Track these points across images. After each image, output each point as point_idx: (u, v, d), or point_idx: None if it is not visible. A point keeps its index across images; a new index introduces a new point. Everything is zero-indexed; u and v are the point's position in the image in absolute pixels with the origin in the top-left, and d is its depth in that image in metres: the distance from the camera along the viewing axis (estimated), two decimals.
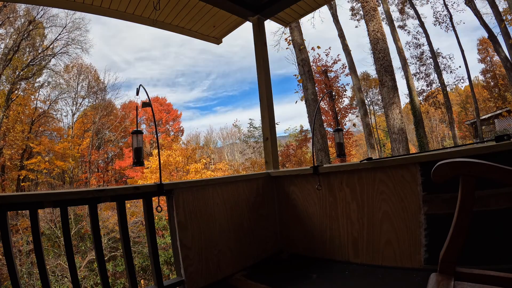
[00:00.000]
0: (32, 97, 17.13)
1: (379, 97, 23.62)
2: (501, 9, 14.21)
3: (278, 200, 2.75)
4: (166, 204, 2.03)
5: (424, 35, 19.18)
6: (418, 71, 20.36)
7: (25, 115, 16.27)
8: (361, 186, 2.20)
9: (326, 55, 21.69)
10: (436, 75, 19.31)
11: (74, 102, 19.43)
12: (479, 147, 1.86)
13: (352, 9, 20.37)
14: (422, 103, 19.63)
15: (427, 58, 20.11)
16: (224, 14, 2.94)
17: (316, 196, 2.45)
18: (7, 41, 15.33)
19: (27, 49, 16.56)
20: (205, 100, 44.77)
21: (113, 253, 10.80)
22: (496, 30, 14.51)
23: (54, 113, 18.66)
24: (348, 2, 19.78)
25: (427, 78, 20.15)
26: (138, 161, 1.88)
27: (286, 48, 17.62)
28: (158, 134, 22.67)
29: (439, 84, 18.92)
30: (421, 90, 20.17)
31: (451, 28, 18.52)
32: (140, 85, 1.89)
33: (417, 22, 19.54)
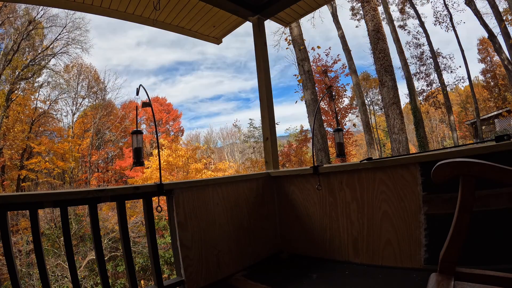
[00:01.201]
0: (32, 97, 17.13)
1: (379, 97, 23.62)
2: (501, 9, 14.21)
3: (278, 200, 2.75)
4: (166, 204, 2.03)
5: (424, 35, 19.19)
6: (418, 71, 20.37)
7: (25, 115, 16.27)
8: (361, 186, 2.20)
9: (326, 55, 21.71)
10: (436, 75, 19.31)
11: (74, 102, 19.43)
12: (479, 147, 1.86)
13: (352, 9, 20.38)
14: (422, 103, 19.63)
15: (427, 58, 20.11)
16: (224, 14, 2.94)
17: (316, 196, 2.45)
18: (7, 41, 15.34)
19: (27, 49, 16.56)
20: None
21: (113, 253, 10.80)
22: (496, 30, 14.52)
23: (54, 113, 18.67)
24: (348, 2, 19.80)
25: (427, 78, 20.15)
26: (138, 161, 1.88)
27: (286, 48, 17.64)
28: (158, 134, 22.69)
29: (439, 84, 18.91)
30: (421, 90, 20.17)
31: (451, 28, 18.53)
32: (140, 85, 1.89)
33: (417, 22, 19.55)
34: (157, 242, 1.95)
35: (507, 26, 13.51)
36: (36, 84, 17.49)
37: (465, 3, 16.09)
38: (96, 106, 20.40)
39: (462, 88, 26.96)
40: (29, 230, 11.05)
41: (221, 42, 3.48)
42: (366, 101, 21.34)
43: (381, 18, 12.11)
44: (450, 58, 19.61)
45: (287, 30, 11.76)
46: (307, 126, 18.06)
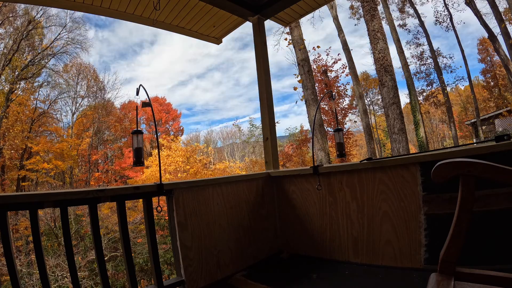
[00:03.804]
0: (32, 97, 17.12)
1: (379, 97, 23.63)
2: (501, 9, 14.22)
3: (278, 200, 2.75)
4: (166, 204, 2.02)
5: (424, 35, 19.21)
6: (418, 71, 20.38)
7: (24, 115, 16.26)
8: (361, 186, 2.20)
9: (326, 55, 21.76)
10: (436, 75, 19.33)
11: (74, 102, 19.43)
12: (479, 147, 1.86)
13: (352, 8, 20.39)
14: (422, 103, 19.63)
15: (427, 58, 20.12)
16: (224, 14, 2.94)
17: (316, 196, 2.45)
18: (7, 41, 15.33)
19: (27, 49, 16.56)
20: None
21: (113, 253, 10.80)
22: (496, 30, 14.53)
23: (53, 113, 18.67)
24: (348, 1, 19.80)
25: (427, 78, 20.17)
26: (138, 161, 1.88)
27: (286, 47, 17.65)
28: (158, 134, 22.68)
29: (439, 84, 18.93)
30: (421, 90, 20.18)
31: (451, 28, 18.55)
32: (140, 85, 1.89)
33: (417, 21, 19.57)
34: (157, 242, 1.95)
35: (507, 26, 13.52)
36: (35, 84, 17.50)
37: (465, 3, 16.10)
38: (95, 106, 20.39)
39: (462, 88, 26.97)
40: (29, 230, 11.04)
41: (221, 42, 3.48)
42: (366, 101, 21.35)
43: (381, 17, 12.11)
44: (450, 58, 19.63)
45: (287, 30, 11.76)
46: (307, 126, 18.09)
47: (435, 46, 20.01)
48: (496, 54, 16.11)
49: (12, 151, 15.51)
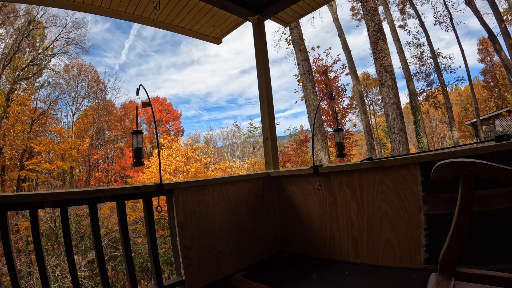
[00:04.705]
0: (32, 97, 17.13)
1: (379, 97, 23.64)
2: (501, 9, 14.23)
3: (278, 200, 2.75)
4: (166, 204, 2.02)
5: (424, 35, 19.21)
6: (418, 71, 20.37)
7: (25, 115, 16.26)
8: (361, 186, 2.20)
9: (326, 55, 21.79)
10: (436, 75, 19.33)
11: (74, 102, 19.44)
12: (479, 147, 1.86)
13: (353, 8, 20.39)
14: (422, 103, 19.62)
15: (427, 58, 20.11)
16: (224, 14, 2.94)
17: (316, 196, 2.45)
18: (7, 41, 15.33)
19: (27, 49, 16.56)
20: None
21: (113, 253, 10.80)
22: (496, 30, 14.54)
23: (54, 113, 18.67)
24: (349, 2, 19.80)
25: (427, 78, 20.16)
26: (138, 161, 1.88)
27: (286, 48, 17.66)
28: (158, 134, 22.67)
29: (439, 84, 18.93)
30: (421, 90, 20.17)
31: (451, 28, 18.56)
32: (140, 85, 1.89)
33: (417, 22, 19.58)
34: (157, 242, 1.95)
35: (507, 26, 13.52)
36: (36, 84, 17.50)
37: (465, 3, 16.10)
38: (96, 106, 20.40)
39: (462, 88, 26.97)
40: (29, 230, 11.04)
41: (221, 42, 3.48)
42: (366, 101, 21.36)
43: (381, 18, 12.11)
44: (450, 58, 19.62)
45: (287, 30, 11.75)
46: (307, 126, 18.10)
47: (435, 46, 20.03)
48: (496, 54, 16.11)
49: (12, 151, 15.51)
